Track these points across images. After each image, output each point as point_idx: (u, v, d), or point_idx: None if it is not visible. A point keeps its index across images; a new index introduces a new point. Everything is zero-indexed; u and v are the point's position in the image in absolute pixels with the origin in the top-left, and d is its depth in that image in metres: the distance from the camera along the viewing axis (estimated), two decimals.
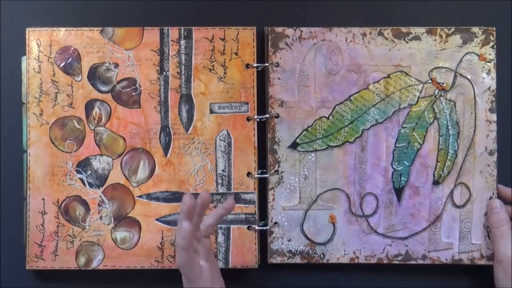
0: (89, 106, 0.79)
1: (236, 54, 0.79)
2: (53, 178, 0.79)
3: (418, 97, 0.79)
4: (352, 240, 0.80)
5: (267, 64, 0.79)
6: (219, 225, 0.79)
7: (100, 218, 0.79)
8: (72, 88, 0.79)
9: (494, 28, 0.79)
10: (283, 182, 0.80)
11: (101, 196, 0.79)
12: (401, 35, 0.79)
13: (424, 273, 0.81)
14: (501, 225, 0.77)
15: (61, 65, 0.79)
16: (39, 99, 0.79)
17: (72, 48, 0.79)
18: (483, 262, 0.79)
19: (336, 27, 0.79)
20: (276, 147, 0.79)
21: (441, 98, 0.79)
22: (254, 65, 0.79)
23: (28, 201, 0.79)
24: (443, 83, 0.79)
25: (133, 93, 0.79)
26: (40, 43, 0.79)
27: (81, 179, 0.79)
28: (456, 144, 0.79)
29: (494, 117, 0.79)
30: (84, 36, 0.79)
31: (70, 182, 0.79)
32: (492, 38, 0.79)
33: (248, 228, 0.79)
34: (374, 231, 0.80)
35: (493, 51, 0.79)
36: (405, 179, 0.80)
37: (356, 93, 0.80)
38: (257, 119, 0.79)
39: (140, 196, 0.80)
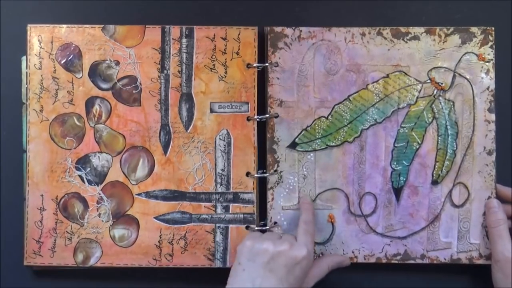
0: (89, 103, 0.79)
1: (237, 53, 0.80)
2: (52, 174, 0.79)
3: (417, 97, 0.80)
4: (351, 240, 0.80)
5: (267, 64, 0.79)
6: (217, 224, 0.79)
7: (99, 215, 0.79)
8: (72, 85, 0.79)
9: (493, 28, 0.79)
10: (282, 182, 0.80)
11: (100, 194, 0.79)
12: (400, 35, 0.80)
13: (423, 272, 0.81)
14: (498, 225, 0.77)
15: (62, 62, 0.79)
16: (39, 95, 0.79)
17: (74, 45, 0.79)
18: (481, 261, 0.79)
19: (335, 27, 0.80)
20: (275, 147, 0.80)
21: (440, 98, 0.80)
22: (255, 65, 0.79)
23: (27, 197, 0.79)
24: (442, 83, 0.80)
25: (134, 91, 0.79)
26: (41, 39, 0.79)
27: (80, 176, 0.79)
28: (454, 144, 0.79)
29: (492, 117, 0.79)
30: (86, 33, 0.79)
31: (69, 179, 0.79)
32: (491, 38, 0.79)
33: (246, 228, 0.79)
34: (373, 230, 0.80)
35: (492, 51, 0.79)
36: (404, 179, 0.80)
37: (355, 93, 0.80)
38: (257, 119, 0.79)
39: (139, 194, 0.79)
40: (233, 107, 0.80)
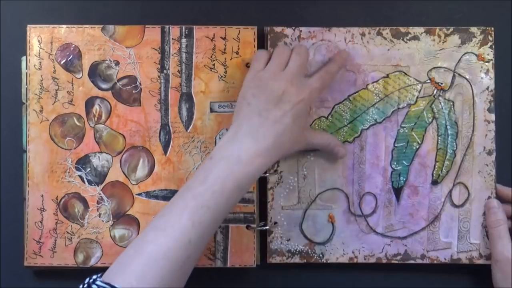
0: (89, 103, 0.79)
1: (237, 53, 0.80)
2: (52, 174, 0.79)
3: (417, 97, 0.80)
4: (351, 240, 0.80)
5: None
6: None
7: (99, 215, 0.79)
8: (72, 85, 0.79)
9: (493, 28, 0.79)
10: (282, 182, 0.80)
11: (100, 194, 0.79)
12: (399, 35, 0.80)
13: (423, 272, 0.81)
14: (498, 225, 0.77)
15: (62, 62, 0.79)
16: (39, 96, 0.79)
17: (73, 45, 0.79)
18: (481, 261, 0.79)
19: (335, 27, 0.80)
20: None
21: (440, 98, 0.80)
22: None
23: (27, 197, 0.79)
24: (441, 83, 0.80)
25: (134, 91, 0.79)
26: (41, 40, 0.79)
27: (80, 176, 0.79)
28: (454, 144, 0.79)
29: (492, 117, 0.79)
30: (85, 34, 0.79)
31: (69, 179, 0.79)
32: (490, 38, 0.79)
33: (246, 227, 0.79)
34: (373, 230, 0.80)
35: (491, 51, 0.79)
36: (404, 179, 0.80)
37: (355, 93, 0.80)
38: None
39: (139, 194, 0.79)
40: (233, 106, 0.79)
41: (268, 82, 0.71)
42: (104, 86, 0.79)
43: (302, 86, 0.72)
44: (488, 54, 0.79)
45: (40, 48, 0.79)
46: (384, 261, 0.79)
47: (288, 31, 0.79)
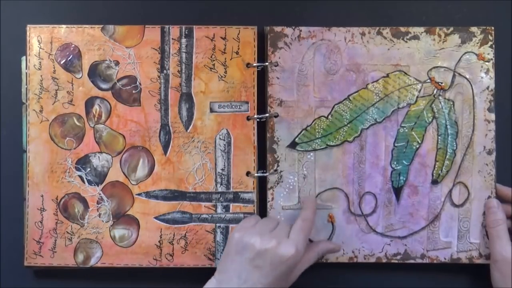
0: (89, 103, 0.79)
1: (237, 53, 0.79)
2: (52, 175, 0.79)
3: (417, 97, 0.80)
4: (351, 240, 0.80)
5: (266, 64, 0.79)
6: (218, 224, 0.79)
7: (99, 215, 0.79)
8: (72, 85, 0.79)
9: (493, 28, 0.79)
10: (282, 182, 0.80)
11: (100, 194, 0.79)
12: (400, 35, 0.79)
13: (423, 272, 0.81)
14: (497, 225, 0.77)
15: (62, 62, 0.79)
16: (39, 96, 0.79)
17: (73, 45, 0.79)
18: (481, 261, 0.79)
19: (335, 27, 0.80)
20: (275, 146, 0.80)
21: (440, 97, 0.80)
22: (255, 64, 0.79)
23: (27, 197, 0.79)
24: (441, 83, 0.79)
25: (134, 91, 0.79)
26: (41, 39, 0.79)
27: (80, 176, 0.79)
28: (454, 143, 0.79)
29: (492, 116, 0.79)
30: (85, 34, 0.79)
31: (69, 179, 0.79)
32: (490, 38, 0.79)
33: None
34: (373, 230, 0.80)
35: (491, 51, 0.79)
36: (404, 179, 0.80)
37: (355, 92, 0.80)
38: (257, 119, 0.79)
39: (139, 194, 0.79)
40: (233, 106, 0.79)
41: (251, 237, 0.71)
42: (104, 86, 0.79)
43: (286, 244, 0.71)
44: (488, 54, 0.79)
45: (40, 48, 0.79)
46: (384, 260, 0.80)
47: (288, 30, 0.79)
